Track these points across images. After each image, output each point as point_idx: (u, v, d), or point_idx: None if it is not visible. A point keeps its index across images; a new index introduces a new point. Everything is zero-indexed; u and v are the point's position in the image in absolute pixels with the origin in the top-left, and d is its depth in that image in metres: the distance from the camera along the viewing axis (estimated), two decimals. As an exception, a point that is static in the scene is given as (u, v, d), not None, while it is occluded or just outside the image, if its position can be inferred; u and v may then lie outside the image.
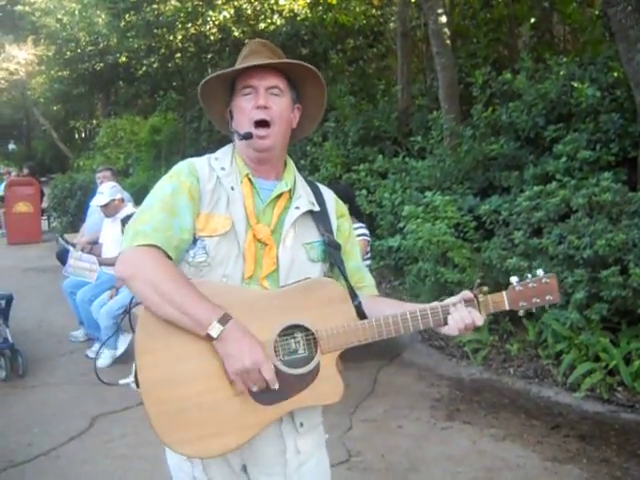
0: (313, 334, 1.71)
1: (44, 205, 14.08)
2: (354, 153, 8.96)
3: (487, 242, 5.69)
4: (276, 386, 1.63)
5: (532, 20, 9.31)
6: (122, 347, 5.76)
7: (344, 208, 2.05)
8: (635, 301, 4.51)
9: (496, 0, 9.93)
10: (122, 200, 6.16)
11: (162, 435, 1.67)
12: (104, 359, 5.70)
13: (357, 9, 12.33)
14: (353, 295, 1.81)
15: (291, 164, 1.98)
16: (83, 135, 27.78)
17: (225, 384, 1.66)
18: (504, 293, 1.82)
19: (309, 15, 12.55)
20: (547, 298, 1.83)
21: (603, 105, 5.80)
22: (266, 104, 1.79)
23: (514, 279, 1.86)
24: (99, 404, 4.86)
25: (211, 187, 1.82)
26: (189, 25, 13.74)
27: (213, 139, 13.86)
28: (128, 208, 6.14)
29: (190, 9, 13.37)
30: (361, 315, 1.79)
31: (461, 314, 1.76)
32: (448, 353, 5.68)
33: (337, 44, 12.53)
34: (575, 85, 6.00)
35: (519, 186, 6.02)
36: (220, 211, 1.80)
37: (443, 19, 7.87)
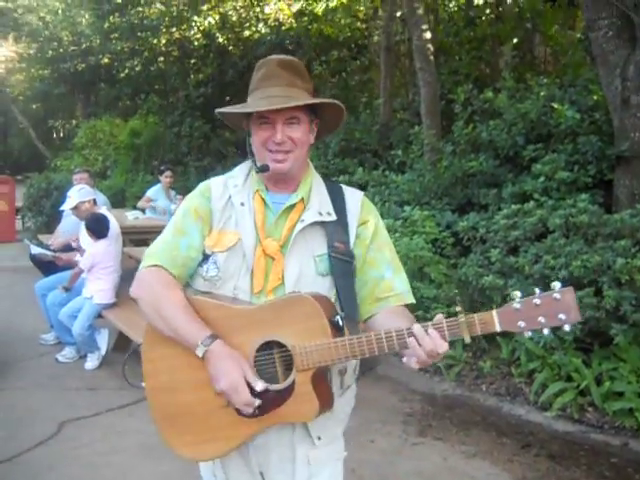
0: (289, 350, 1.68)
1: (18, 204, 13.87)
2: (334, 164, 8.99)
3: (464, 259, 5.71)
4: (251, 409, 1.67)
5: (514, 40, 9.43)
6: (104, 345, 5.76)
7: (371, 213, 1.93)
8: (608, 323, 4.55)
9: (480, 19, 10.07)
10: (93, 202, 6.06)
11: (164, 438, 1.82)
12: (92, 361, 5.67)
13: (342, 21, 12.41)
14: (333, 311, 1.73)
15: (310, 174, 1.94)
16: (62, 135, 27.55)
17: (213, 396, 1.73)
18: (495, 312, 1.57)
19: (294, 25, 12.62)
20: (560, 318, 1.52)
21: (582, 127, 5.88)
22: (283, 139, 1.77)
23: (517, 294, 1.58)
24: (68, 409, 4.78)
25: (222, 205, 1.87)
26: (173, 29, 13.75)
27: (193, 144, 13.83)
28: (101, 210, 6.06)
29: (175, 14, 13.39)
30: (339, 331, 1.70)
31: (422, 340, 1.59)
32: (421, 368, 5.68)
33: (321, 55, 12.62)
34: (555, 106, 6.08)
35: (497, 204, 6.07)
36: (230, 227, 1.84)
37: (427, 35, 7.95)
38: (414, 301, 1.90)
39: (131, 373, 5.14)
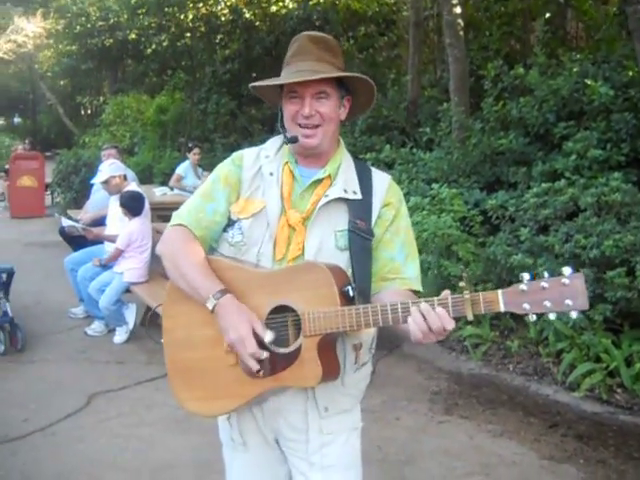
0: (298, 316, 1.72)
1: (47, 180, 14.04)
2: (361, 141, 8.91)
3: (492, 237, 5.65)
4: (256, 364, 1.69)
5: (546, 15, 9.21)
6: (132, 319, 5.83)
7: (395, 197, 1.96)
8: (639, 304, 4.48)
9: (511, -7, 9.85)
10: (124, 177, 6.12)
11: (174, 392, 1.89)
12: (120, 335, 5.76)
13: (370, -4, 12.25)
14: (346, 281, 1.75)
15: (340, 152, 1.98)
16: (89, 111, 27.73)
17: (224, 354, 1.79)
18: (500, 292, 1.55)
19: (321, 0, 12.45)
20: (566, 303, 1.50)
21: (616, 104, 5.74)
22: (311, 112, 1.82)
23: (525, 276, 1.55)
24: (96, 382, 4.85)
25: (252, 174, 1.93)
26: (200, 5, 13.66)
27: (220, 121, 13.81)
28: (131, 186, 6.11)
29: (202, -12, 13.28)
30: (350, 302, 1.72)
31: (429, 316, 1.59)
32: (448, 346, 5.66)
33: (348, 31, 12.47)
34: (588, 83, 5.94)
35: (527, 182, 5.97)
36: (257, 196, 1.91)
37: (457, 10, 7.79)
38: (421, 289, 1.91)
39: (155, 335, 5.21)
